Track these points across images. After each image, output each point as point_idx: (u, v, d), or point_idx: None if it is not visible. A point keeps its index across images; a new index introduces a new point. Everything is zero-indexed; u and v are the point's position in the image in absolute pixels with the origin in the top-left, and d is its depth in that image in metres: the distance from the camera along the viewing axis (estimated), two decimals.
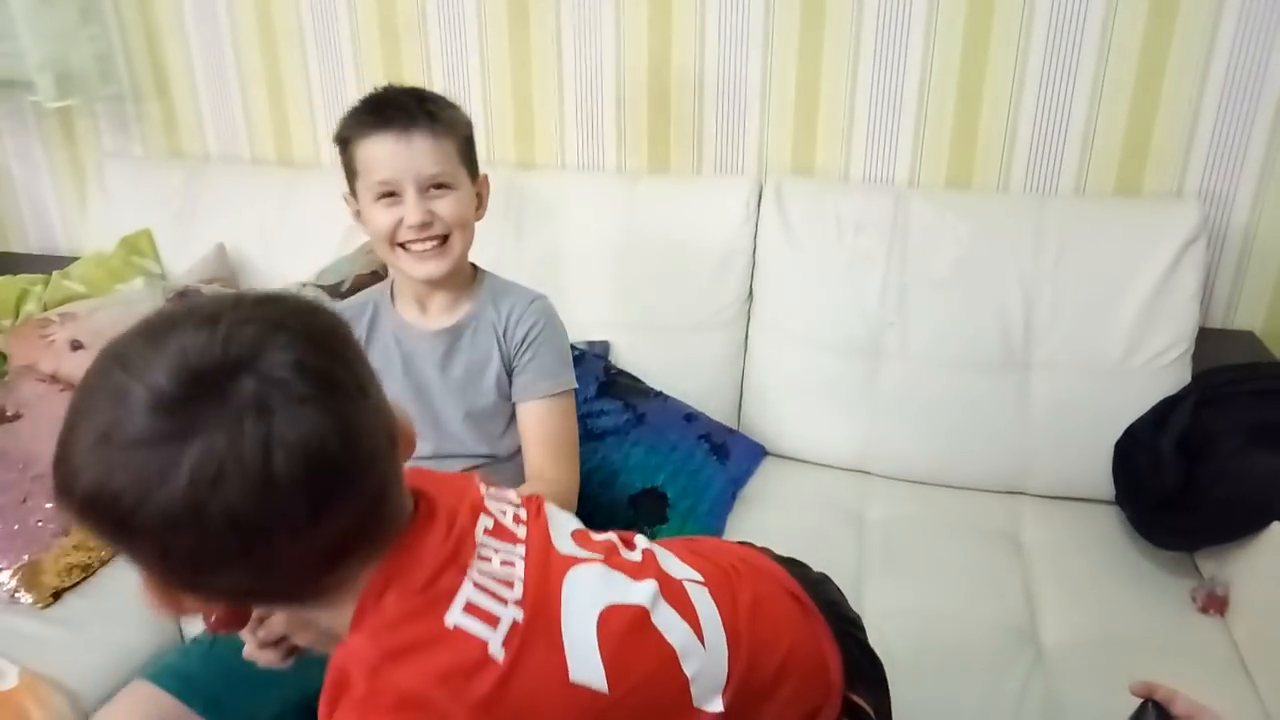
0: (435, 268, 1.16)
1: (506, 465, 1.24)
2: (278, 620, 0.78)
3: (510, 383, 1.21)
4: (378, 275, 1.73)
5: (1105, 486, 1.40)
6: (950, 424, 1.48)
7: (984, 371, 1.48)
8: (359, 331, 1.20)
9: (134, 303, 1.67)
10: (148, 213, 1.91)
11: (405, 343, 1.22)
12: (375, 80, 1.85)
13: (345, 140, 1.17)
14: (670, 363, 1.62)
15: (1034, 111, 1.54)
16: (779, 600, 0.87)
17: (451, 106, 1.19)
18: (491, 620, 0.64)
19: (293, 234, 1.80)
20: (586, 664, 0.67)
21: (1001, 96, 1.55)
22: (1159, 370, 1.42)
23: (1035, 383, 1.46)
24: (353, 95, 1.86)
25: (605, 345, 1.65)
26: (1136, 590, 1.27)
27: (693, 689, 0.72)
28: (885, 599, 1.23)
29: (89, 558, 1.33)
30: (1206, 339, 1.46)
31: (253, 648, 0.80)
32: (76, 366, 1.58)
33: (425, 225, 1.13)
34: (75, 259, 1.89)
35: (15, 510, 1.35)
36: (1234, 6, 1.42)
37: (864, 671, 0.91)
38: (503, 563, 0.68)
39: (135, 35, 1.97)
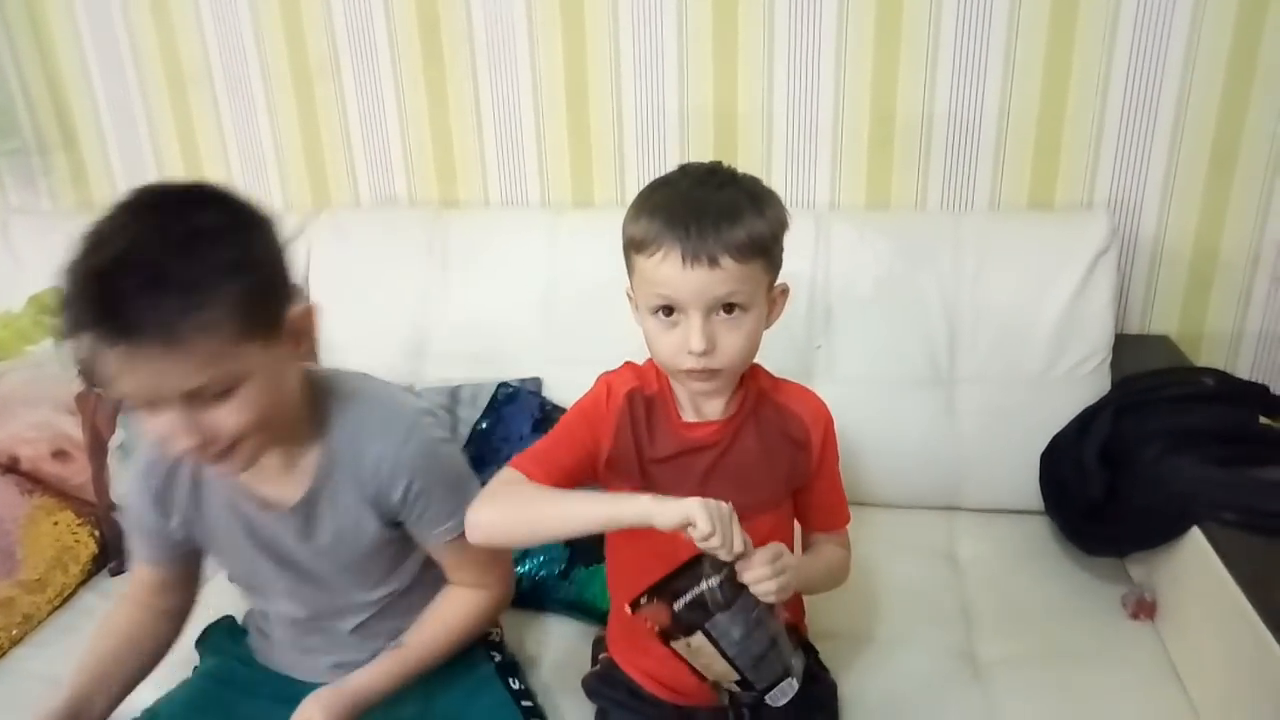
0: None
1: (413, 594, 1.07)
2: None
3: (399, 525, 1.02)
4: None
5: (1036, 498, 1.42)
6: (882, 443, 1.48)
7: (912, 389, 1.49)
8: (179, 491, 0.99)
9: (44, 365, 1.60)
10: (58, 269, 1.84)
11: (243, 512, 0.99)
12: (291, 124, 1.84)
13: None
14: None
15: (945, 130, 1.57)
16: None
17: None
18: None
19: None
20: None
21: (913, 116, 1.58)
22: (1080, 379, 1.45)
23: (962, 398, 1.48)
24: (267, 139, 1.86)
25: (537, 381, 1.63)
26: (1070, 600, 1.29)
27: None
28: (821, 622, 1.22)
29: None
30: (1124, 345, 1.49)
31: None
32: None
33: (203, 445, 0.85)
34: None
35: None
36: (1128, 21, 1.46)
37: None
38: None
39: (37, 86, 1.91)
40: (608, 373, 1.06)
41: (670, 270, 0.90)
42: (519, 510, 0.93)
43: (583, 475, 0.99)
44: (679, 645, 0.88)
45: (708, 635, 0.87)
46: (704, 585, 0.85)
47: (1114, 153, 1.54)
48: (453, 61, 1.72)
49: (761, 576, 0.85)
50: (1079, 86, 1.51)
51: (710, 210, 0.90)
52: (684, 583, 0.86)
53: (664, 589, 0.86)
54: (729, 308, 0.92)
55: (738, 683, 0.92)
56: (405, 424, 0.98)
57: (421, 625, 1.05)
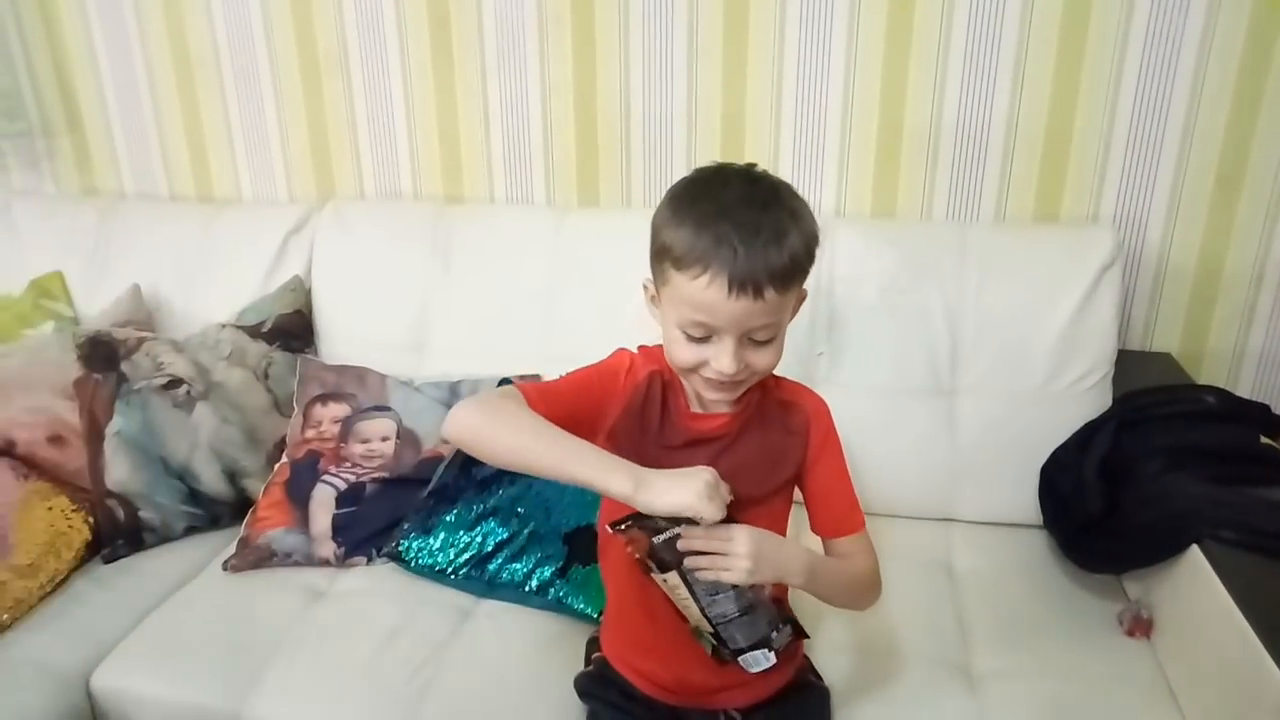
0: None
1: None
2: None
3: None
4: (301, 315, 1.69)
5: (1034, 511, 1.42)
6: (880, 451, 1.47)
7: (913, 398, 1.49)
8: None
9: (43, 349, 1.60)
10: (59, 253, 1.84)
11: None
12: (298, 114, 1.83)
13: None
14: None
15: (953, 140, 1.57)
16: None
17: None
18: None
19: (213, 273, 1.75)
20: None
21: (921, 127, 1.57)
22: (1081, 394, 1.44)
23: (962, 408, 1.48)
24: (273, 128, 1.86)
25: (536, 379, 1.63)
26: (1066, 615, 1.28)
27: None
28: (816, 629, 1.22)
29: None
30: (1126, 361, 1.49)
31: None
32: None
33: None
34: None
35: None
36: (1138, 37, 1.46)
37: None
38: None
39: (43, 69, 1.90)
40: (628, 349, 1.05)
41: (714, 297, 0.88)
42: (504, 426, 0.90)
43: (577, 429, 0.95)
44: (658, 578, 0.91)
45: (683, 577, 0.89)
46: (682, 527, 0.87)
47: (1121, 168, 1.54)
48: (462, 57, 1.71)
49: (693, 547, 0.87)
50: (1088, 101, 1.51)
51: (760, 237, 0.88)
52: (665, 521, 0.87)
53: (646, 521, 0.87)
54: (761, 332, 0.93)
55: (713, 635, 0.94)
56: None
57: None
